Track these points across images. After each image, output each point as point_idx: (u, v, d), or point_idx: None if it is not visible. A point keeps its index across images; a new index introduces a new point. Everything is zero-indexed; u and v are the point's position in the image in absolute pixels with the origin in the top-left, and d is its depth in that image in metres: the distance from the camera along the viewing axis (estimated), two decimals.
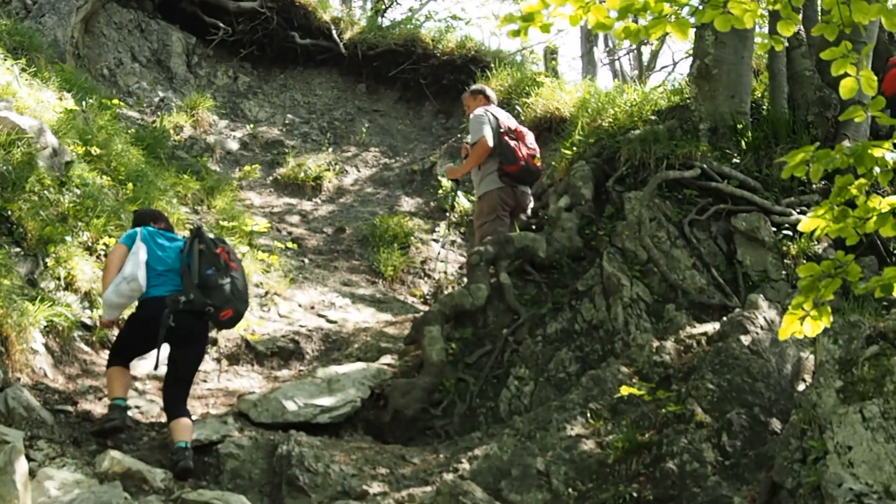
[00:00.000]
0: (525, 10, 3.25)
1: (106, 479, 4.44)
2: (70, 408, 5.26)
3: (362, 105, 13.19)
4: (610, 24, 3.25)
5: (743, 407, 4.74)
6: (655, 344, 5.53)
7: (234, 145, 11.51)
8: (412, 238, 9.54)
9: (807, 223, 3.44)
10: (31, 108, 7.26)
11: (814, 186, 6.68)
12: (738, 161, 6.95)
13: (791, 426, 4.19)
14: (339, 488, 4.75)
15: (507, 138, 7.22)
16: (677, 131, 7.21)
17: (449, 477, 4.80)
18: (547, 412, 5.20)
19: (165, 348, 5.16)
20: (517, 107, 10.29)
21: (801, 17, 7.30)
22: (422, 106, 13.21)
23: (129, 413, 5.37)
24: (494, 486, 4.64)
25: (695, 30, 7.15)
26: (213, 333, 6.55)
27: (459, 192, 10.07)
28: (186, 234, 5.57)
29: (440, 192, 10.47)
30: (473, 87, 8.09)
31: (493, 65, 11.85)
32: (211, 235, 5.45)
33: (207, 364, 6.47)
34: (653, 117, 7.64)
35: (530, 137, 7.46)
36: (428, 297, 8.81)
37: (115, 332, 5.44)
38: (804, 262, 5.55)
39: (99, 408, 5.28)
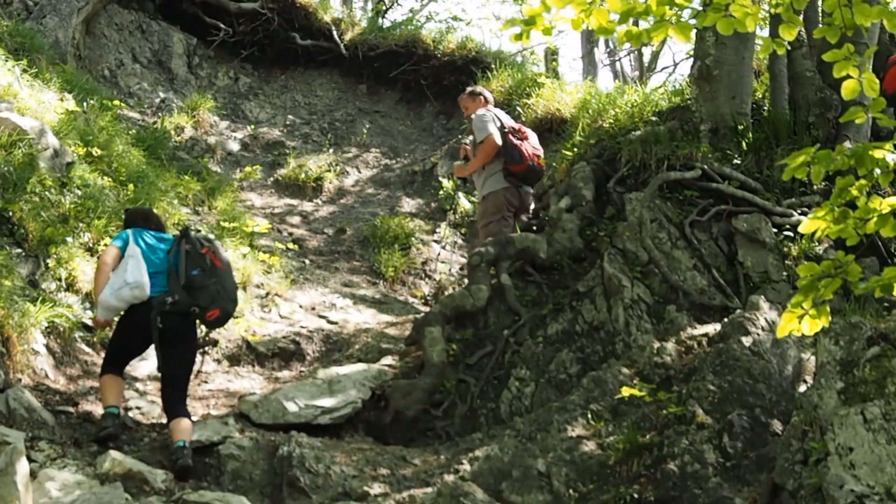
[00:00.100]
0: (527, 14, 3.25)
1: (107, 480, 4.45)
2: (71, 409, 5.27)
3: (363, 106, 13.19)
4: (612, 27, 3.25)
5: (744, 408, 4.74)
6: (656, 345, 5.52)
7: (234, 146, 11.51)
8: (413, 239, 9.53)
9: (808, 224, 3.44)
10: (32, 109, 7.27)
11: (815, 187, 6.68)
12: (738, 162, 6.95)
13: (792, 427, 4.19)
14: (339, 489, 4.76)
15: (511, 138, 7.20)
16: (678, 132, 7.21)
17: (450, 478, 4.80)
18: (548, 413, 5.20)
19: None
20: (518, 108, 10.29)
21: (802, 18, 7.29)
22: (422, 107, 13.21)
23: (130, 414, 5.48)
24: (495, 488, 4.64)
25: (696, 31, 7.15)
26: (213, 334, 6.56)
27: (460, 193, 10.08)
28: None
29: (441, 193, 10.47)
30: (471, 88, 8.01)
31: (493, 66, 11.84)
32: (200, 234, 5.47)
33: (208, 365, 6.48)
34: (654, 118, 7.63)
35: (534, 137, 7.45)
36: (429, 298, 8.80)
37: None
38: (805, 263, 5.55)
39: (100, 409, 5.28)
